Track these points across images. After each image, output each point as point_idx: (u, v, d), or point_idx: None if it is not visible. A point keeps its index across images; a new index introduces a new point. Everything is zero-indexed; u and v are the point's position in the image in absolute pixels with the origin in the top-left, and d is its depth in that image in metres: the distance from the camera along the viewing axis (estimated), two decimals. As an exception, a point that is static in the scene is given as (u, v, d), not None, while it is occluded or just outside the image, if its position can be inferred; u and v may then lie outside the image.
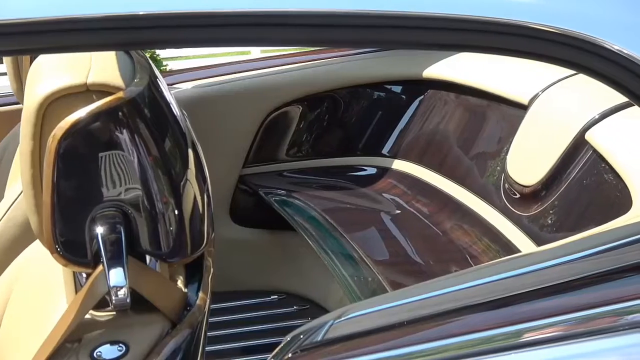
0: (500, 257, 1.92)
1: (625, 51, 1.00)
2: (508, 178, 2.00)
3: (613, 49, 1.00)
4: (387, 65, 2.58)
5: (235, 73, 2.64)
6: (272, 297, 2.62)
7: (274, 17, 1.06)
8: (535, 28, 1.01)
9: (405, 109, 2.55)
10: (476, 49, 1.10)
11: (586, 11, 1.03)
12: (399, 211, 2.30)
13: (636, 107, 1.77)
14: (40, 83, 1.26)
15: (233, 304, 2.56)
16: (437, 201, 2.27)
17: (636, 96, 1.04)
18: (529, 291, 1.11)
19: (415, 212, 2.27)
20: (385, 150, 2.55)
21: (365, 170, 2.56)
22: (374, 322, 1.16)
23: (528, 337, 1.09)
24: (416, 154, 2.45)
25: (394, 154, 2.52)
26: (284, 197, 2.46)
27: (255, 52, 8.72)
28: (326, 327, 1.18)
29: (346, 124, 2.63)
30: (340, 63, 2.62)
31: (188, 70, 2.99)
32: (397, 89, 2.59)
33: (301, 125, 2.63)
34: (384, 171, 2.51)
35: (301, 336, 1.20)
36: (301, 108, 2.62)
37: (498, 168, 2.11)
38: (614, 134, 1.71)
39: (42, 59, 1.38)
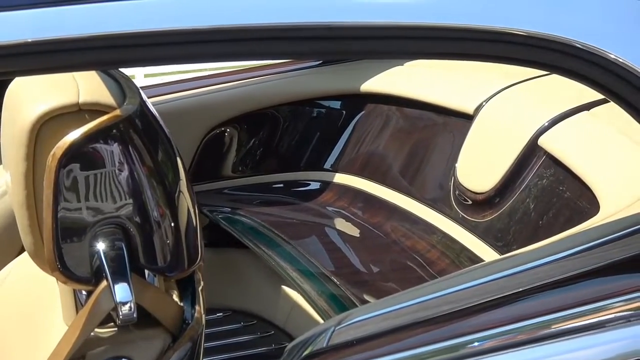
0: (457, 261, 1.97)
1: (621, 60, 1.05)
2: (459, 186, 2.04)
3: (609, 58, 1.06)
4: (324, 80, 2.62)
5: (170, 93, 2.64)
6: (217, 314, 2.61)
7: (267, 31, 1.09)
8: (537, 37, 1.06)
9: (345, 123, 2.59)
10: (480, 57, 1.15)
11: (583, 20, 1.08)
12: (347, 223, 2.33)
13: (584, 113, 1.85)
14: (28, 105, 1.26)
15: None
16: (384, 212, 2.31)
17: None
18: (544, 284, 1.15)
19: (363, 223, 2.30)
20: (327, 165, 2.58)
21: (309, 184, 2.59)
22: (378, 325, 1.19)
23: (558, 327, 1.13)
24: (358, 167, 2.49)
25: (336, 168, 2.56)
26: (229, 215, 2.46)
27: (139, 76, 8.58)
28: (329, 334, 1.21)
29: (286, 139, 2.66)
30: (277, 80, 2.64)
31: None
32: (336, 104, 2.63)
33: (241, 143, 2.65)
34: (326, 185, 2.54)
35: (302, 345, 1.22)
36: (240, 126, 2.64)
37: (446, 176, 2.15)
38: (568, 140, 1.77)
39: (20, 83, 1.38)
